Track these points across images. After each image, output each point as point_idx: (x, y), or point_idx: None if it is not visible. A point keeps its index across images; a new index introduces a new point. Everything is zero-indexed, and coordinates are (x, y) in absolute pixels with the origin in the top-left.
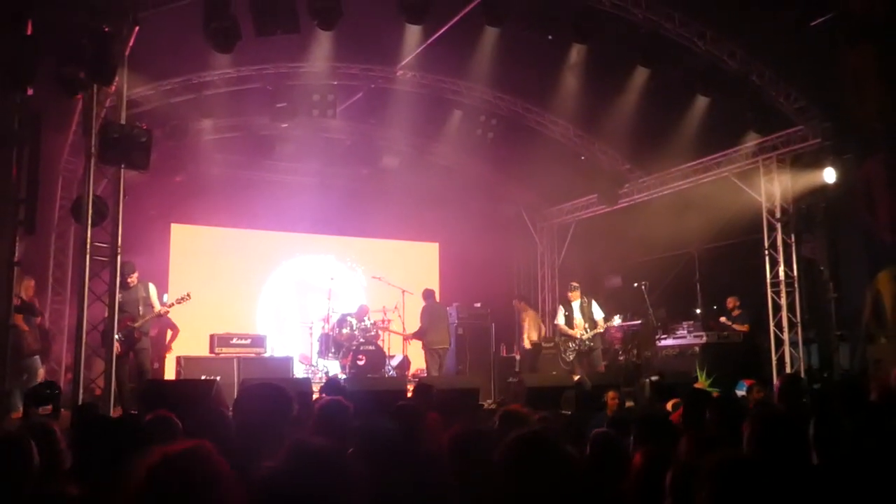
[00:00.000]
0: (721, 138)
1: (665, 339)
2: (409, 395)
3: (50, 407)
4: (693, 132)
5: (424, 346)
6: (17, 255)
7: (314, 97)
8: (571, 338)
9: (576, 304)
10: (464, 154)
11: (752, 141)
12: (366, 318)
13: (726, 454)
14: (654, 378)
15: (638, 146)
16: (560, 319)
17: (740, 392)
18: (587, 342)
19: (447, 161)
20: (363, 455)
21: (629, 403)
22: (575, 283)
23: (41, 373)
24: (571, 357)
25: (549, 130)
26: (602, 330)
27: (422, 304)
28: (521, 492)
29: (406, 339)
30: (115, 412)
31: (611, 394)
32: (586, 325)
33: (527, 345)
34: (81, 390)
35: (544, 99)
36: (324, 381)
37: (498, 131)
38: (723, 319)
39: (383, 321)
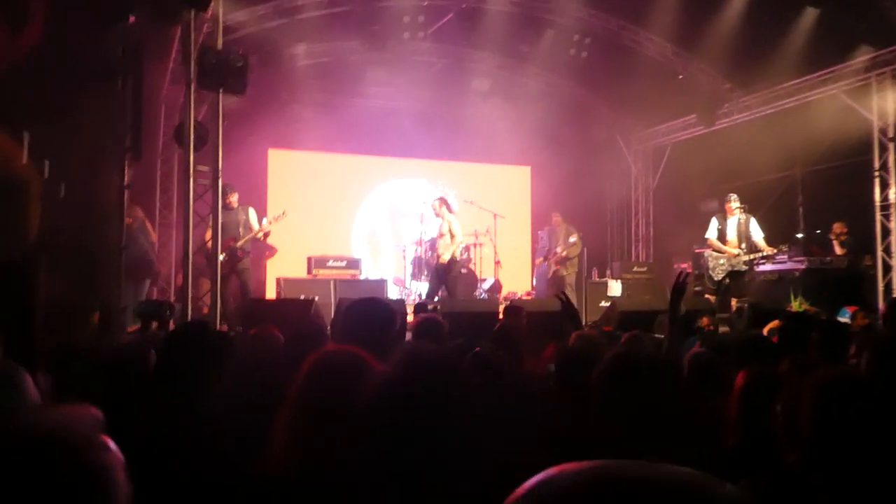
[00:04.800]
0: (830, 53)
1: (763, 264)
2: (500, 316)
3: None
4: (800, 47)
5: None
6: (126, 179)
7: (404, 19)
8: (725, 255)
9: (732, 220)
10: (556, 75)
11: (864, 55)
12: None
13: (836, 371)
14: (751, 302)
15: (739, 63)
16: (712, 234)
17: (843, 319)
18: (742, 263)
19: (539, 83)
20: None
21: (723, 329)
22: (734, 195)
23: (151, 291)
24: (720, 276)
25: (646, 49)
26: (770, 254)
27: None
28: (621, 408)
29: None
30: (220, 329)
31: (705, 319)
32: (743, 246)
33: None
34: (190, 308)
35: (640, 15)
36: (416, 303)
37: (592, 51)
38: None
39: (475, 244)
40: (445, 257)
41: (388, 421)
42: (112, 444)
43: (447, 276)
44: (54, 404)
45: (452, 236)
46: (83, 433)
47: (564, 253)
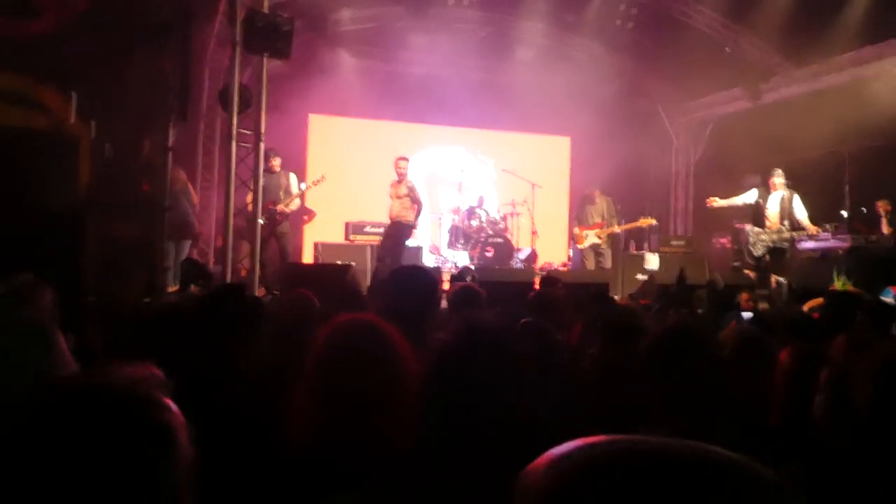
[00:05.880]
0: (888, 26)
1: (806, 241)
2: (537, 287)
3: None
4: (856, 19)
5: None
6: (170, 141)
7: None
8: (766, 231)
9: (775, 196)
10: (601, 46)
11: None
12: (494, 211)
13: (892, 351)
14: (793, 285)
15: (791, 36)
16: (745, 199)
17: (886, 299)
18: (784, 241)
19: (583, 53)
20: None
21: (763, 305)
22: (779, 170)
23: (192, 253)
24: (760, 252)
25: (694, 20)
26: (815, 232)
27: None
28: (668, 381)
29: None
30: (259, 291)
31: (745, 295)
32: (786, 223)
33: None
34: (230, 271)
35: None
36: (453, 271)
37: (638, 21)
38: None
39: (512, 214)
40: (410, 218)
41: (446, 387)
42: (175, 406)
43: (399, 238)
44: (104, 360)
45: (417, 203)
46: (149, 392)
47: (619, 230)
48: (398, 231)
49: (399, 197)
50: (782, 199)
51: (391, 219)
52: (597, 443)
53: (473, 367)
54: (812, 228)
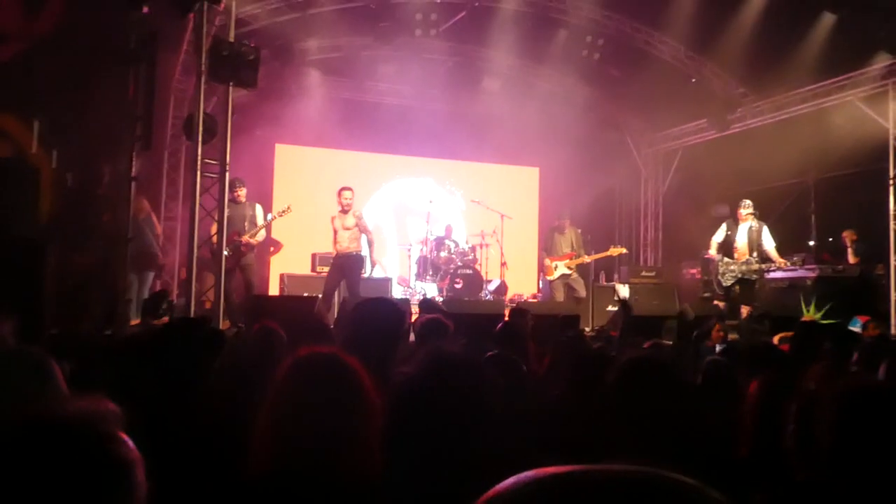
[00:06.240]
0: (847, 59)
1: (774, 271)
2: (506, 319)
3: (166, 318)
4: (816, 52)
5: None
6: (134, 170)
7: (417, 17)
8: (735, 261)
9: (743, 227)
10: (568, 77)
11: (882, 62)
12: (463, 241)
13: (858, 380)
14: (762, 314)
15: (754, 68)
16: (718, 238)
17: (854, 328)
18: (753, 272)
19: (550, 84)
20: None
21: (732, 336)
22: (748, 201)
23: (155, 284)
24: (729, 282)
25: (659, 51)
26: (782, 265)
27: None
28: (634, 413)
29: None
30: (223, 324)
31: (715, 325)
32: (754, 255)
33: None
34: (194, 303)
35: (655, 17)
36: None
37: (604, 52)
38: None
39: (482, 245)
40: (361, 249)
41: (411, 420)
42: (130, 442)
43: (351, 272)
44: (71, 394)
45: (367, 232)
46: (105, 427)
47: (589, 259)
48: (349, 264)
49: (347, 228)
50: (750, 229)
51: (339, 252)
52: (544, 475)
53: (439, 400)
54: (780, 261)
